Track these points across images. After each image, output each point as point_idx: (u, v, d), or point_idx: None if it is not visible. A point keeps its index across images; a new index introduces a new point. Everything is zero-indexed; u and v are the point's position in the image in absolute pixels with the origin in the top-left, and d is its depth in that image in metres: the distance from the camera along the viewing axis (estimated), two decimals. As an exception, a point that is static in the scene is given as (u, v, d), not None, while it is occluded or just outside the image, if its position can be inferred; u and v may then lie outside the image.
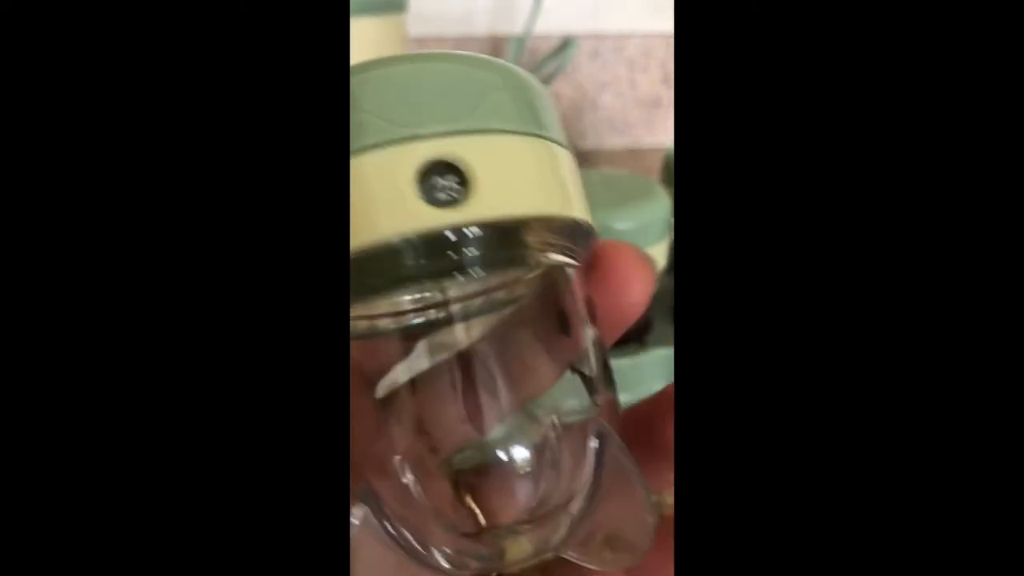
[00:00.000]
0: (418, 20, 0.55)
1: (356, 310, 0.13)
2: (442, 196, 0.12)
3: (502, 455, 0.14)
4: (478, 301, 0.14)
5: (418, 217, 0.12)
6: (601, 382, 0.15)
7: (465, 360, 0.14)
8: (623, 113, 0.77)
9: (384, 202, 0.12)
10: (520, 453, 0.14)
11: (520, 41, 0.61)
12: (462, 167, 0.12)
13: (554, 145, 0.14)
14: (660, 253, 0.36)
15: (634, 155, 0.75)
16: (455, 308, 0.14)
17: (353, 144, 0.12)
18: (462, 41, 0.68)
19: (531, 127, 0.13)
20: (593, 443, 0.14)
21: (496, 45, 0.69)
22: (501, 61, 0.14)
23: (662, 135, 0.78)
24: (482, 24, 0.69)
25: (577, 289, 0.15)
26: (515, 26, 0.67)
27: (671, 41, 0.71)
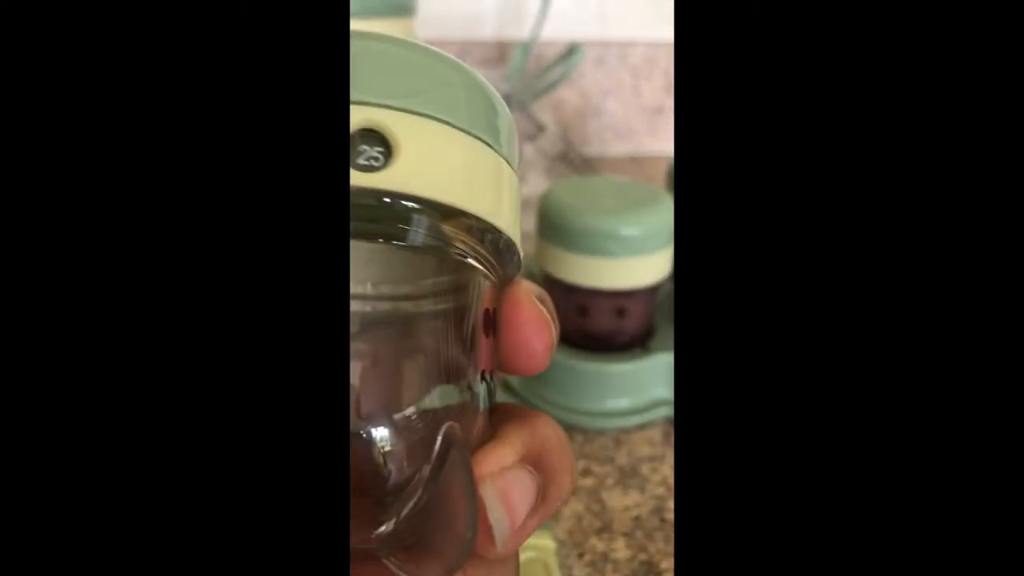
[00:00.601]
0: (425, 23, 0.56)
1: None
2: (362, 161, 0.13)
3: (363, 433, 0.14)
4: (382, 287, 0.15)
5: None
6: (472, 392, 0.15)
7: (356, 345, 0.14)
8: (626, 120, 0.77)
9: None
10: (380, 433, 0.14)
11: (526, 46, 0.61)
12: (390, 139, 0.13)
13: (500, 159, 0.15)
14: (666, 259, 0.36)
15: (636, 162, 0.76)
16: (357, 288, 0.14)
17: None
18: (468, 44, 0.68)
19: (478, 131, 0.14)
20: (439, 441, 0.14)
21: (502, 49, 0.69)
22: (473, 71, 0.15)
23: (665, 142, 0.78)
24: (488, 28, 0.69)
25: (485, 302, 0.15)
26: (521, 31, 0.67)
27: (675, 49, 0.71)
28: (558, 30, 0.68)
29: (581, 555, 0.29)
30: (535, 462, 0.14)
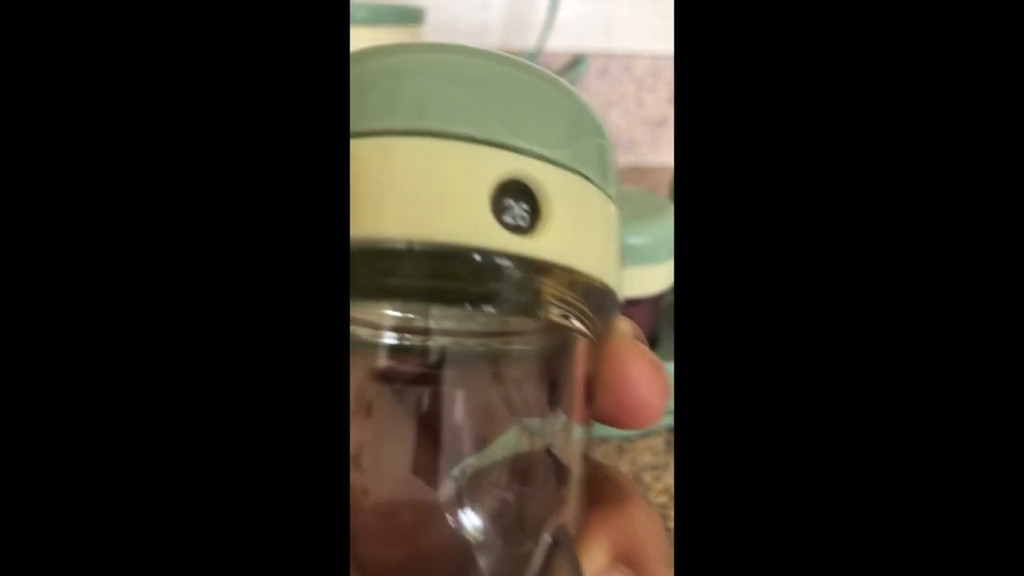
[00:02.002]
0: (432, 32, 0.56)
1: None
2: (509, 220, 0.11)
3: (451, 520, 0.12)
4: (466, 342, 0.13)
5: (485, 232, 0.11)
6: (568, 474, 0.13)
7: (428, 406, 0.13)
8: (629, 131, 0.77)
9: (452, 201, 0.11)
10: (472, 520, 0.12)
11: (532, 57, 0.61)
12: (538, 196, 0.11)
13: (614, 206, 0.13)
14: (670, 268, 0.37)
15: (639, 172, 0.76)
16: (434, 342, 0.13)
17: (421, 117, 0.11)
18: (474, 54, 0.69)
19: (607, 184, 0.13)
20: (547, 538, 0.12)
21: (507, 59, 0.70)
22: (590, 107, 0.13)
23: (667, 154, 0.78)
24: (495, 38, 0.69)
25: (579, 362, 0.13)
26: (527, 41, 0.68)
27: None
28: (563, 41, 0.68)
29: (584, 562, 0.30)
30: (629, 558, 0.13)
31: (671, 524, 0.31)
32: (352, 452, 0.13)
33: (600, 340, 0.14)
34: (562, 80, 0.13)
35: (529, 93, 0.12)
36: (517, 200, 0.11)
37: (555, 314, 0.12)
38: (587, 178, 0.12)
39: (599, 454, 0.35)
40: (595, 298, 0.13)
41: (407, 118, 0.11)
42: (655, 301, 0.37)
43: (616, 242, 0.13)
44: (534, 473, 0.13)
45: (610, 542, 0.13)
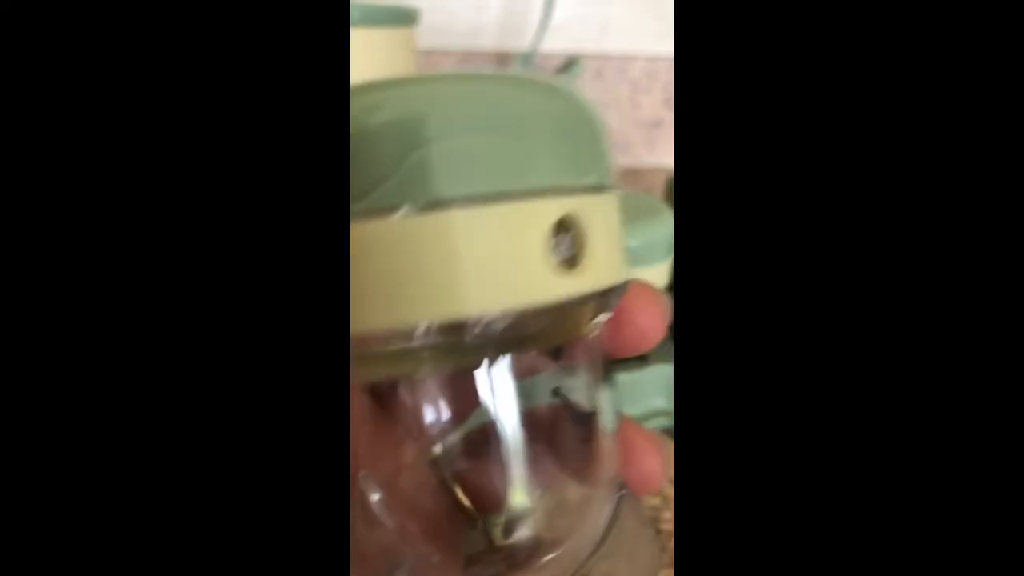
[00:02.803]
0: (427, 33, 0.56)
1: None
2: (560, 255, 0.11)
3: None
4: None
5: (544, 285, 0.10)
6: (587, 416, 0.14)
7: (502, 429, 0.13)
8: (624, 133, 0.77)
9: (515, 265, 0.10)
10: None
11: (527, 58, 0.61)
12: (579, 227, 0.11)
13: (615, 195, 0.13)
14: (665, 271, 0.37)
15: (634, 174, 0.76)
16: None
17: (437, 189, 0.10)
18: (469, 55, 0.69)
19: (612, 178, 0.12)
20: (613, 499, 0.13)
21: (503, 60, 0.70)
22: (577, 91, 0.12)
23: (662, 155, 0.78)
24: (489, 39, 0.69)
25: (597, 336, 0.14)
26: (522, 42, 0.68)
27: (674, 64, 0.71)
28: (558, 42, 0.68)
29: (578, 564, 0.29)
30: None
31: (667, 526, 0.31)
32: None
33: None
34: (556, 82, 0.12)
35: (549, 119, 0.11)
36: (560, 233, 0.11)
37: (591, 325, 0.13)
38: (607, 187, 0.12)
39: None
40: (617, 293, 0.13)
41: (445, 186, 0.10)
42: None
43: (621, 228, 0.13)
44: (541, 427, 0.14)
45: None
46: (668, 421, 0.37)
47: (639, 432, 0.16)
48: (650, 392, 0.37)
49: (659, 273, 0.36)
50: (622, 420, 0.15)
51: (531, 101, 0.11)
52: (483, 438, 0.14)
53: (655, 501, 0.33)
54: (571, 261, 0.11)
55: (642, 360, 0.38)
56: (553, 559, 0.13)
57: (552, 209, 0.10)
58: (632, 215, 0.36)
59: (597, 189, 0.11)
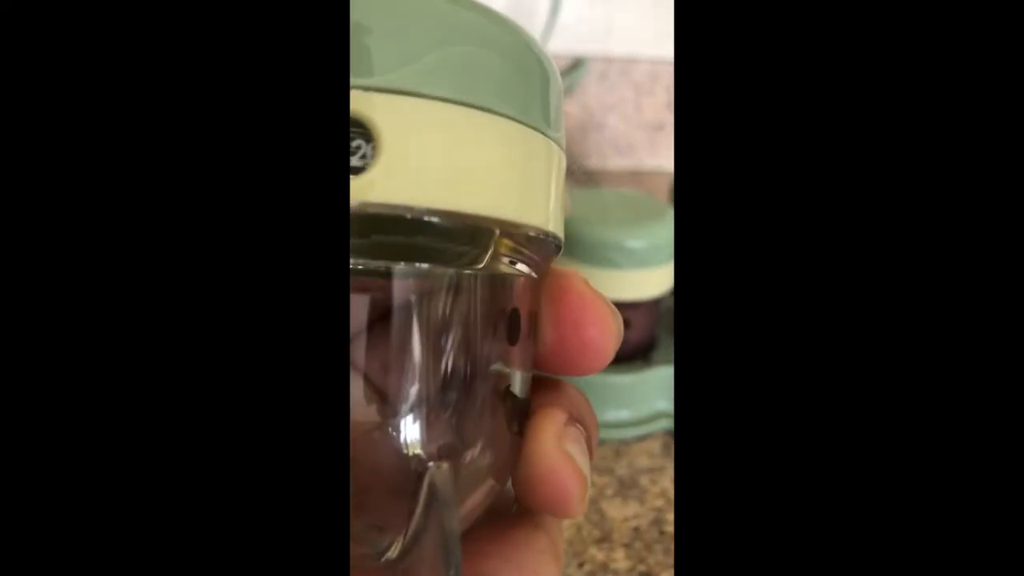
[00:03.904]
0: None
1: None
2: (355, 162, 0.10)
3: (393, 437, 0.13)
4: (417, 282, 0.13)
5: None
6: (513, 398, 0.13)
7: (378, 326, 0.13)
8: (627, 135, 0.78)
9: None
10: (412, 435, 0.13)
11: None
12: (372, 131, 0.10)
13: (536, 135, 0.12)
14: (669, 272, 0.37)
15: (636, 176, 0.76)
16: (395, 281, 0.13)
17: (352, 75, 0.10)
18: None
19: (506, 108, 0.11)
20: (424, 487, 0.12)
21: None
22: (512, 22, 0.12)
23: (664, 159, 0.79)
24: (494, 40, 0.69)
25: (524, 296, 0.13)
26: (526, 44, 0.68)
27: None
28: (563, 44, 0.69)
29: (581, 564, 0.30)
30: (579, 420, 0.14)
31: (668, 528, 0.31)
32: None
33: (540, 279, 0.14)
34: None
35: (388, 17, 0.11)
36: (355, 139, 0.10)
37: (490, 259, 0.12)
38: (435, 98, 0.10)
39: (595, 458, 0.35)
40: (524, 238, 0.12)
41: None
42: (653, 305, 0.38)
43: (530, 167, 0.12)
44: (475, 392, 0.13)
45: (565, 408, 0.14)
46: (670, 423, 0.37)
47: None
48: (652, 394, 0.37)
49: (664, 275, 0.36)
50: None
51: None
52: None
53: (659, 502, 0.33)
54: (358, 168, 0.10)
55: (644, 362, 0.38)
56: None
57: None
58: (636, 216, 0.36)
59: (411, 94, 0.10)
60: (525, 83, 0.12)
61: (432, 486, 0.12)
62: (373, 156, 0.10)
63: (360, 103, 0.10)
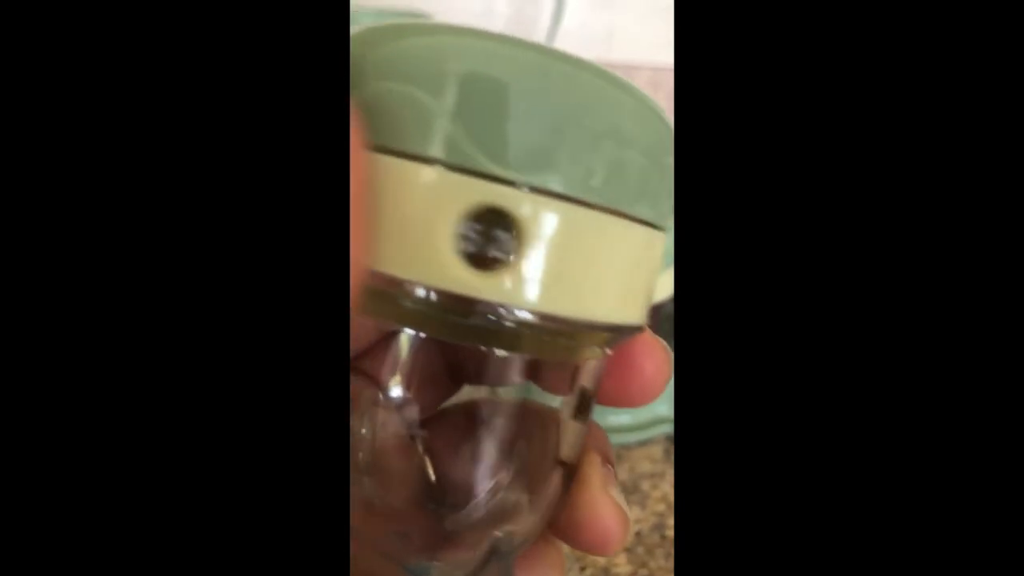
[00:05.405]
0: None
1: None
2: (491, 252, 0.10)
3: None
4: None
5: (450, 275, 0.10)
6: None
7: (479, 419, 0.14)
8: (628, 141, 0.78)
9: (421, 237, 0.10)
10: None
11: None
12: (518, 229, 0.10)
13: (660, 235, 0.12)
14: (670, 278, 0.37)
15: (637, 183, 0.76)
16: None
17: (402, 136, 0.10)
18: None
19: (643, 210, 0.11)
20: (489, 544, 0.13)
21: (509, 68, 0.70)
22: (642, 92, 0.11)
23: (665, 165, 0.79)
24: (496, 47, 0.70)
25: (594, 373, 0.14)
26: (528, 51, 0.68)
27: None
28: (565, 50, 0.69)
29: (583, 568, 0.30)
30: (608, 460, 0.16)
31: (669, 533, 0.31)
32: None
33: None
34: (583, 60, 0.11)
35: (517, 93, 0.10)
36: (496, 229, 0.10)
37: (582, 353, 0.12)
38: (603, 209, 0.10)
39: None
40: (621, 332, 0.12)
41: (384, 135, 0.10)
42: (654, 311, 0.38)
43: (646, 268, 0.12)
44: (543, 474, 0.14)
45: (599, 450, 0.15)
46: (671, 428, 0.38)
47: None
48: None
49: (664, 280, 0.36)
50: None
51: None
52: (461, 420, 0.14)
53: (661, 507, 0.33)
54: (487, 260, 0.10)
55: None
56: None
57: (473, 190, 0.10)
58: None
59: (564, 197, 0.10)
60: (661, 182, 0.12)
61: (496, 550, 0.13)
62: (515, 253, 0.10)
63: (507, 198, 0.10)
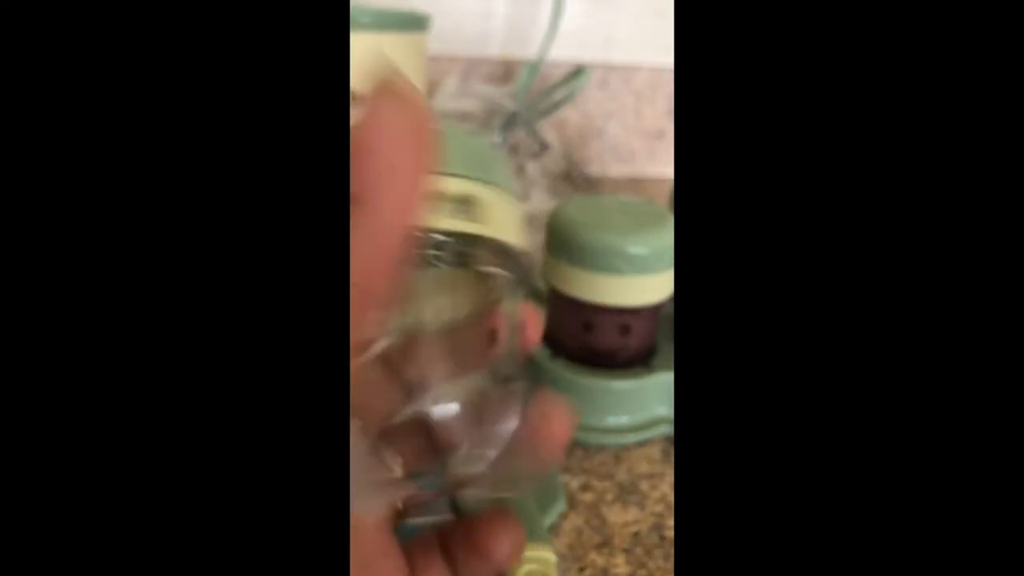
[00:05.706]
0: (436, 39, 0.56)
1: None
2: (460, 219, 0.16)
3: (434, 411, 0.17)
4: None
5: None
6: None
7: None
8: (627, 142, 0.78)
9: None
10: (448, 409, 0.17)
11: (534, 66, 0.62)
12: (477, 205, 0.17)
13: (510, 195, 0.19)
14: (670, 278, 0.37)
15: (635, 184, 0.76)
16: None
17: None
18: (476, 62, 0.69)
19: (509, 188, 0.19)
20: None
21: (508, 68, 0.70)
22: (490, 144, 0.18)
23: (663, 166, 0.79)
24: (496, 47, 0.70)
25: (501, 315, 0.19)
26: (527, 50, 0.68)
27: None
28: (564, 52, 0.69)
29: (582, 569, 0.30)
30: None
31: (668, 533, 0.31)
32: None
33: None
34: (476, 136, 0.18)
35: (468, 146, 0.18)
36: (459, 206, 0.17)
37: (491, 268, 0.17)
38: (499, 186, 0.18)
39: (596, 463, 0.36)
40: (516, 261, 0.18)
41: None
42: (655, 311, 0.38)
43: (517, 217, 0.19)
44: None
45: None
46: (671, 429, 0.38)
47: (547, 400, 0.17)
48: (652, 400, 0.37)
49: (665, 281, 0.36)
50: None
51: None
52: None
53: (659, 508, 0.33)
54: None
55: (645, 367, 0.38)
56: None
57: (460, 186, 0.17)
58: (638, 223, 0.36)
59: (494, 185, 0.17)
60: (509, 172, 0.19)
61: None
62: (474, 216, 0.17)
63: (471, 188, 0.17)
